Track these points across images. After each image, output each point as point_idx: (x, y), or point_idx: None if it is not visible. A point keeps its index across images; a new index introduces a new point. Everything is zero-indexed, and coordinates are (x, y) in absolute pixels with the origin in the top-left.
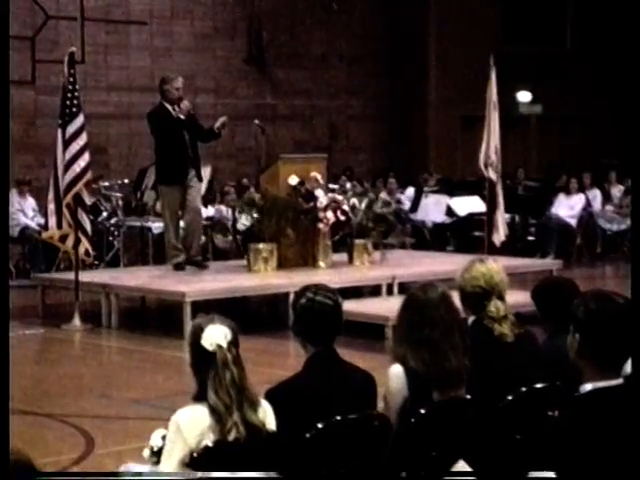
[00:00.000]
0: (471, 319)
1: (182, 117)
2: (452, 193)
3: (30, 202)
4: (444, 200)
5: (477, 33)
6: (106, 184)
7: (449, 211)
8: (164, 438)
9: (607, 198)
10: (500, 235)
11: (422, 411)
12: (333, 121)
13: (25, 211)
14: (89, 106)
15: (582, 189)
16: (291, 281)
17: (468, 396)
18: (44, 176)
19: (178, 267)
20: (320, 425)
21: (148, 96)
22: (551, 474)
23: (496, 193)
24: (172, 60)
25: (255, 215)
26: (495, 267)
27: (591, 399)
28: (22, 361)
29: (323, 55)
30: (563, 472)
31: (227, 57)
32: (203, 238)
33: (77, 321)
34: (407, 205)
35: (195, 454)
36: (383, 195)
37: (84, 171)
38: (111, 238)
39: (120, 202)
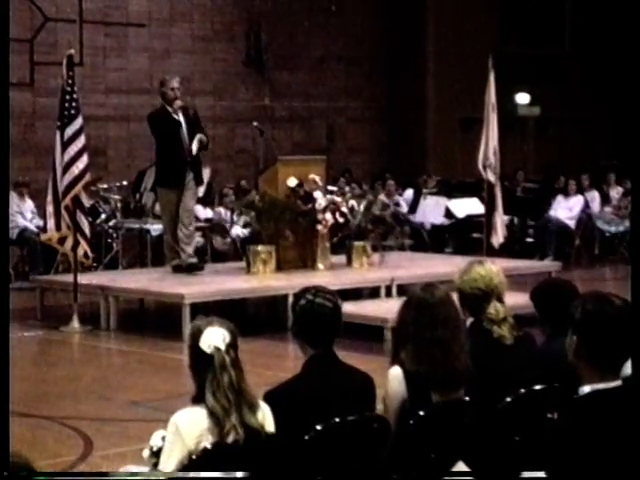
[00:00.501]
0: (469, 321)
1: (177, 117)
2: (451, 195)
3: (29, 204)
4: (443, 202)
5: (476, 35)
6: (105, 186)
7: (448, 213)
8: (164, 439)
9: (606, 200)
10: (499, 237)
11: (421, 413)
12: (331, 123)
13: (24, 213)
14: (88, 108)
15: (581, 191)
16: (290, 283)
17: (467, 398)
18: (43, 178)
19: (177, 269)
20: (319, 427)
21: (146, 98)
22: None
23: (495, 195)
24: (171, 62)
25: (252, 216)
26: (494, 269)
27: (589, 401)
28: (21, 363)
29: (321, 57)
30: (562, 474)
31: (226, 59)
32: (201, 240)
33: (76, 323)
34: (405, 207)
35: (194, 456)
36: (382, 197)
37: (83, 173)
38: (110, 240)
39: (119, 204)
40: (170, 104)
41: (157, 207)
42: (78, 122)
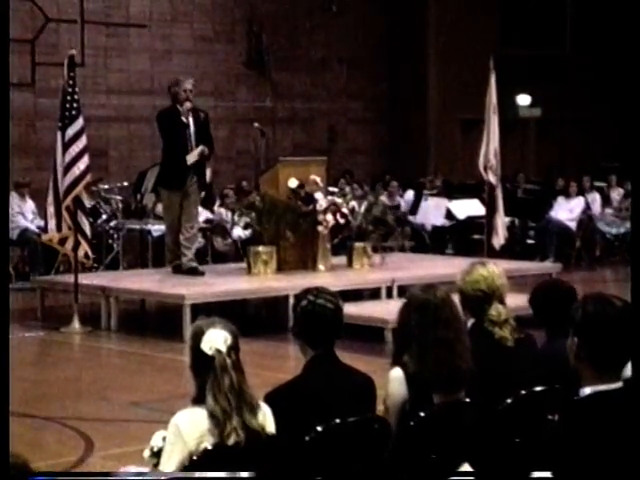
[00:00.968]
0: (470, 322)
1: (186, 120)
2: (452, 196)
3: (30, 205)
4: (444, 203)
5: (477, 36)
6: (106, 187)
7: (449, 214)
8: (165, 439)
9: (606, 201)
10: (499, 238)
11: (422, 414)
12: (332, 124)
13: (25, 214)
14: (89, 109)
15: (582, 192)
16: (290, 284)
17: (468, 399)
18: (44, 179)
19: (177, 269)
20: (320, 428)
21: (148, 99)
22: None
23: (496, 196)
24: (172, 63)
25: (253, 217)
26: (496, 270)
27: (590, 403)
28: (21, 364)
29: (323, 58)
30: (563, 475)
31: (227, 60)
32: (202, 241)
33: (76, 324)
34: (405, 208)
35: (194, 457)
36: (383, 198)
37: (84, 174)
38: (110, 241)
39: (120, 205)
40: (182, 105)
41: (158, 208)
42: (79, 123)
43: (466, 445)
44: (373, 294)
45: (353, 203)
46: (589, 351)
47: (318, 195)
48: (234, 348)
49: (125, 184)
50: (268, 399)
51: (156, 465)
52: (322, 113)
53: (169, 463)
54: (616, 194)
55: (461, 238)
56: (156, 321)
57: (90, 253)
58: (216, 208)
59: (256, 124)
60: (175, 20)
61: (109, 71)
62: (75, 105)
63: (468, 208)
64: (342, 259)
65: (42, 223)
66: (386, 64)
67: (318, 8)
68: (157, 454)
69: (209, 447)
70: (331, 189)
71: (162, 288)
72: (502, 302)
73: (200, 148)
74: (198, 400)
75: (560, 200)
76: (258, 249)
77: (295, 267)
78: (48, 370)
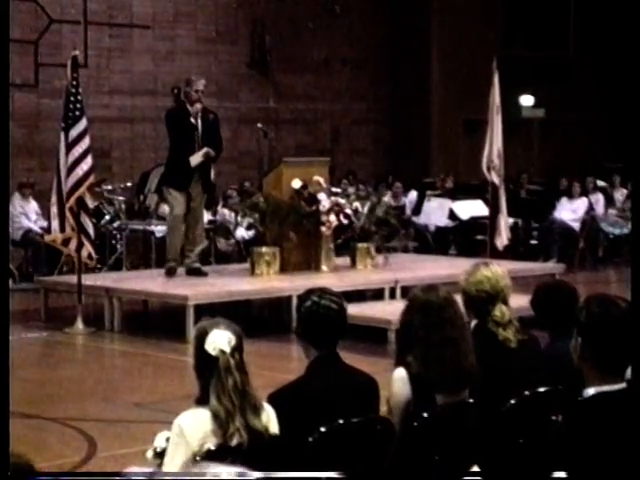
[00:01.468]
0: (473, 323)
1: (194, 121)
2: (455, 197)
3: (33, 205)
4: (447, 204)
5: (480, 37)
6: (109, 187)
7: (452, 215)
8: (168, 440)
9: (610, 202)
10: (503, 239)
11: (425, 415)
12: (336, 125)
13: (28, 214)
14: (92, 110)
15: (585, 193)
16: (294, 285)
17: (471, 400)
18: (47, 179)
19: (170, 271)
20: (323, 429)
21: (151, 99)
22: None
23: (499, 197)
24: (175, 64)
25: (256, 217)
26: (500, 271)
27: (594, 403)
28: (24, 364)
29: (326, 59)
30: (567, 476)
31: (230, 61)
32: (206, 242)
33: (80, 324)
34: (409, 209)
35: (198, 457)
36: (386, 199)
37: (87, 174)
38: (114, 241)
39: (123, 205)
40: (192, 105)
41: (161, 208)
42: (82, 123)
43: (470, 446)
44: (376, 295)
45: (356, 204)
46: (593, 352)
47: (321, 196)
48: (238, 349)
49: (128, 185)
50: (271, 400)
51: (159, 466)
52: (325, 114)
53: (172, 464)
54: (619, 194)
55: (464, 239)
56: (159, 322)
57: (93, 254)
58: (219, 209)
59: (259, 125)
60: (178, 21)
61: (112, 72)
62: (78, 106)
63: (471, 209)
64: (345, 260)
65: (45, 224)
66: (389, 65)
67: (321, 9)
68: (160, 455)
69: (212, 448)
70: (334, 190)
71: (165, 289)
72: (506, 303)
73: (204, 150)
74: (201, 401)
75: (563, 201)
76: (261, 250)
77: (298, 268)
78: (51, 371)
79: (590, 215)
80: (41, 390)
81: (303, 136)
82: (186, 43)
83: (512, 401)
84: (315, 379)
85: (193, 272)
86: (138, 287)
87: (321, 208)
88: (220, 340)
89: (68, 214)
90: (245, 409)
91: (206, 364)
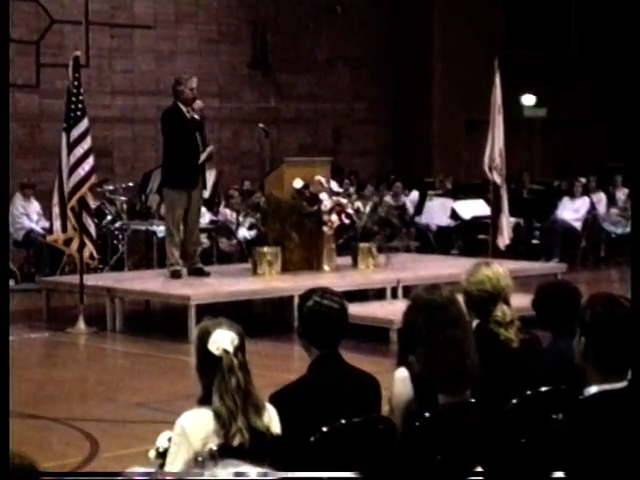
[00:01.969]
0: (475, 323)
1: (197, 117)
2: (456, 196)
3: (35, 206)
4: (448, 203)
5: (482, 37)
6: (110, 188)
7: (454, 214)
8: (170, 440)
9: (612, 201)
10: (505, 238)
11: (427, 415)
12: (337, 125)
13: (30, 215)
14: (94, 110)
15: (587, 192)
16: (295, 284)
17: (473, 400)
18: (49, 180)
19: (175, 275)
20: (325, 428)
21: (152, 100)
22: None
23: (501, 196)
24: (176, 64)
25: (258, 217)
26: (501, 271)
27: (596, 402)
28: (27, 364)
29: (327, 59)
30: (568, 474)
31: (231, 61)
32: (207, 242)
33: (82, 324)
34: (411, 209)
35: (200, 457)
36: (388, 199)
37: (89, 175)
38: (115, 242)
39: (124, 206)
40: (186, 104)
41: (162, 209)
42: (84, 124)
43: (472, 446)
44: (378, 294)
45: (358, 203)
46: (597, 351)
47: (323, 196)
48: (241, 349)
49: (130, 185)
50: (273, 399)
51: (162, 466)
52: (327, 114)
53: (175, 464)
54: (621, 194)
55: (466, 238)
56: (161, 322)
57: (95, 254)
58: (221, 209)
59: (261, 125)
60: (180, 21)
61: (114, 72)
62: (80, 106)
63: (473, 208)
64: (347, 259)
65: (47, 224)
66: (391, 64)
67: (323, 9)
68: (163, 455)
69: (214, 448)
70: (336, 189)
71: (167, 289)
72: (507, 303)
73: (210, 148)
74: (204, 401)
75: (565, 200)
76: (263, 250)
77: (300, 267)
78: (53, 371)
79: (592, 214)
80: (43, 390)
81: (304, 136)
82: (188, 43)
83: (514, 401)
84: (317, 379)
85: (195, 272)
86: (140, 287)
87: (323, 208)
88: (223, 340)
89: (70, 214)
90: (247, 409)
91: (209, 364)
